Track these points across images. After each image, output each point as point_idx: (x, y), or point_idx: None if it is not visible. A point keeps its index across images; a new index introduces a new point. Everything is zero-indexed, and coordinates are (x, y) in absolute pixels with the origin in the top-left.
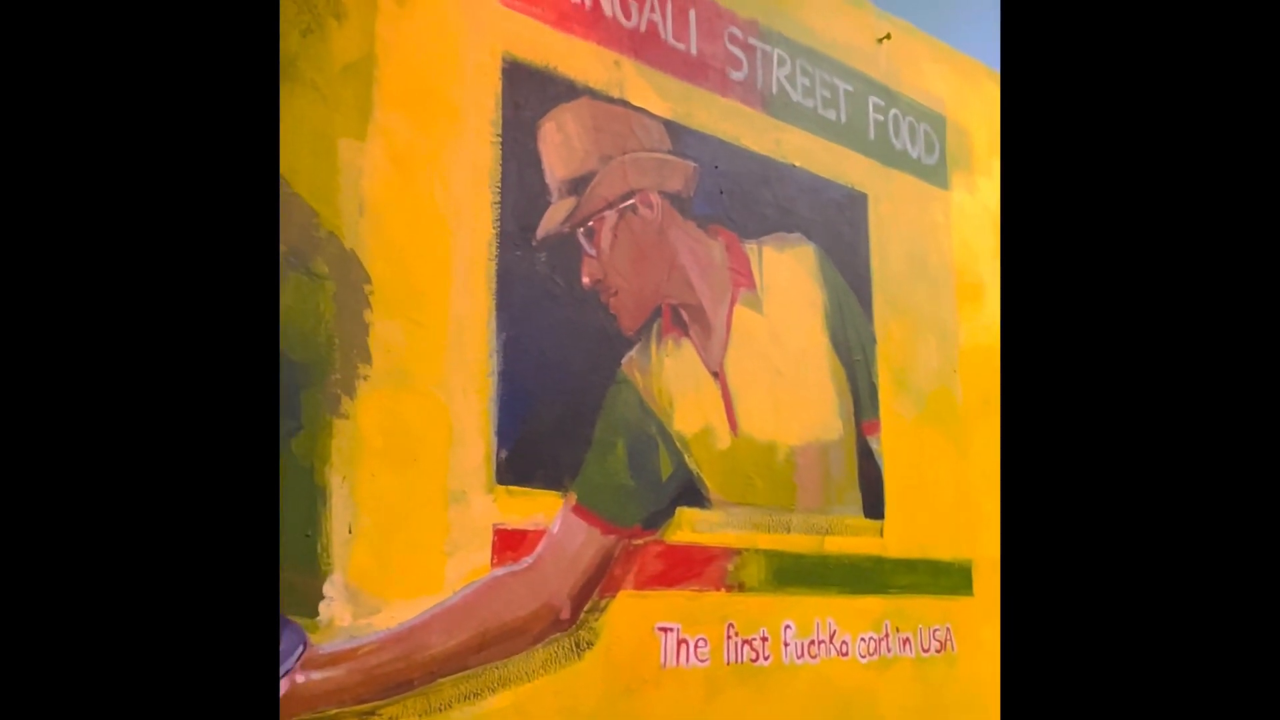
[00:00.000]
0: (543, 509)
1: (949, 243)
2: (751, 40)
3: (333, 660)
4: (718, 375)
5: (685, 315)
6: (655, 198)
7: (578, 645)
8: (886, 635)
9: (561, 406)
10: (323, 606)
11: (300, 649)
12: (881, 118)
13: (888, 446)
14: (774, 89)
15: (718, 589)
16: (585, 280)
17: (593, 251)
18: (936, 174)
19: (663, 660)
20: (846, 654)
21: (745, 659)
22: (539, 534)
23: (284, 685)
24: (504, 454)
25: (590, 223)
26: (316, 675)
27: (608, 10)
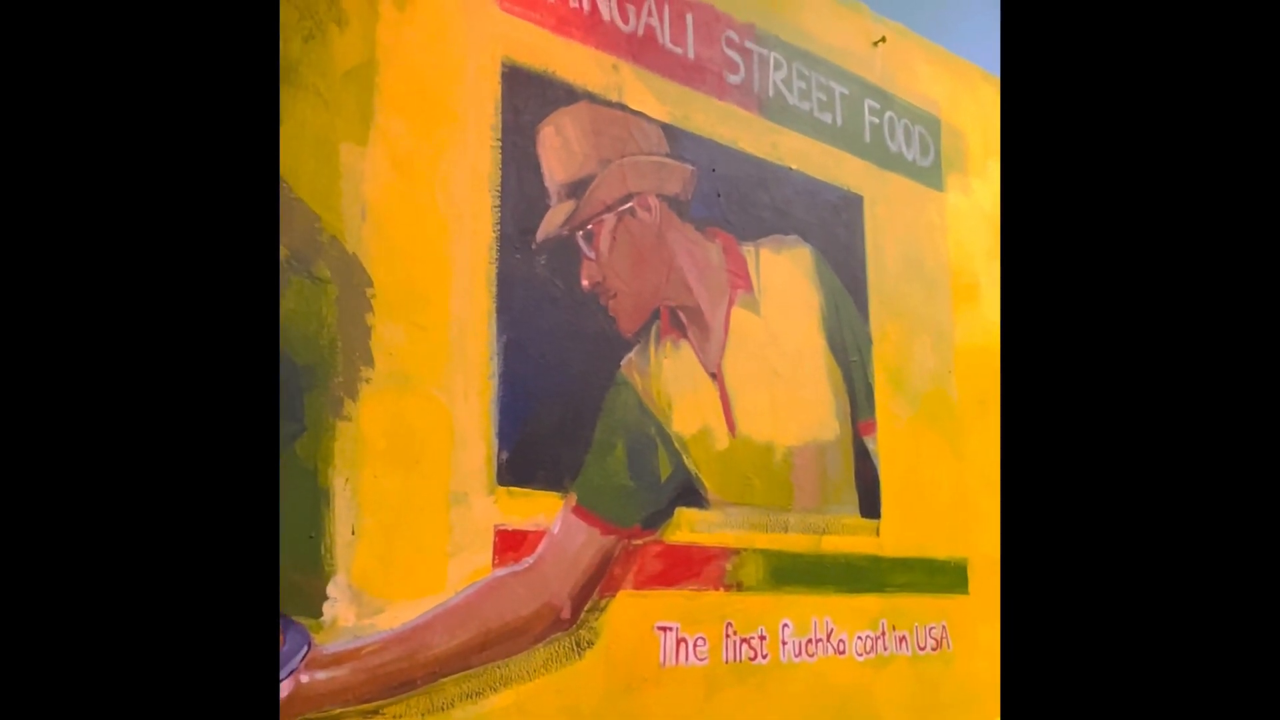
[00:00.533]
0: (543, 510)
1: (944, 244)
2: (748, 44)
3: (337, 660)
4: (716, 376)
5: (683, 317)
6: (653, 200)
7: (578, 644)
8: (883, 633)
9: (561, 408)
10: (326, 607)
11: (304, 649)
12: (877, 120)
13: (884, 446)
14: (770, 92)
15: (716, 588)
16: (584, 283)
17: (592, 254)
18: (931, 176)
19: (662, 659)
20: (843, 652)
21: (744, 657)
22: (539, 534)
23: (289, 685)
24: (505, 455)
25: (589, 226)
26: (321, 675)
27: (606, 14)
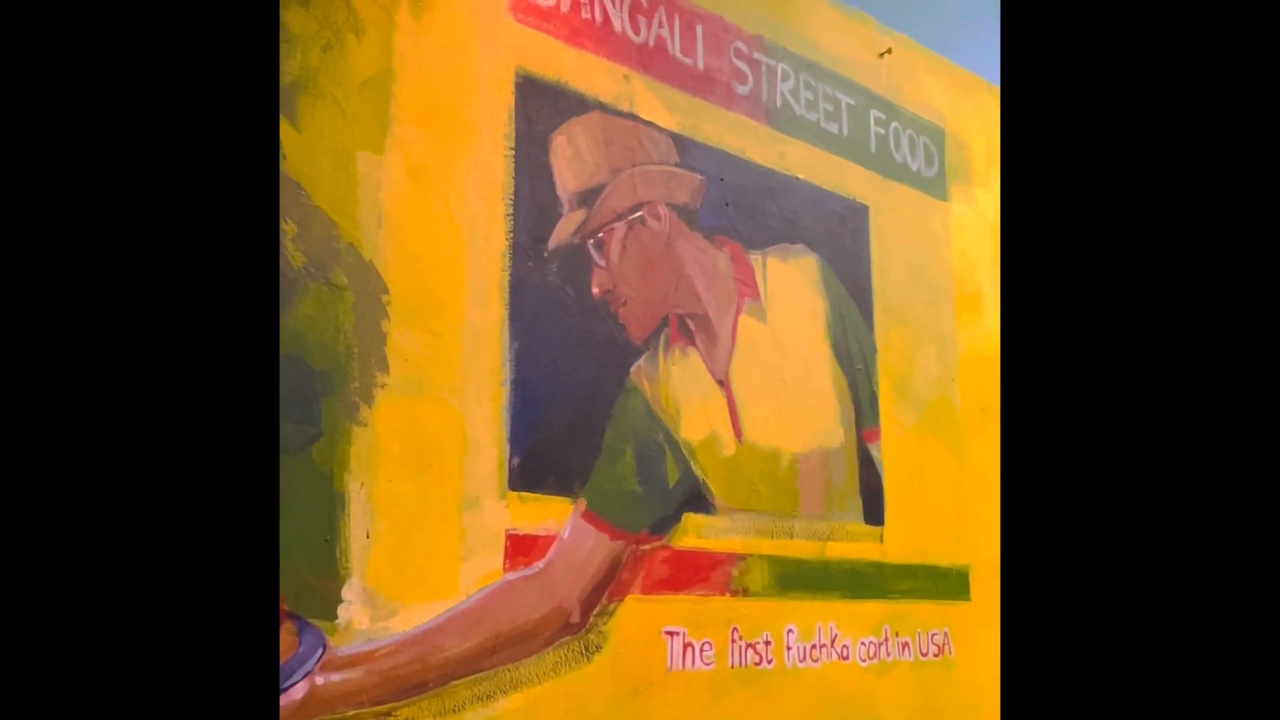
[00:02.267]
0: (553, 515)
1: (948, 253)
2: (757, 55)
3: (351, 662)
4: (723, 384)
5: (692, 325)
6: (663, 209)
7: (587, 648)
8: (886, 639)
9: (572, 414)
10: (341, 610)
11: (320, 651)
12: (882, 131)
13: (888, 454)
14: (778, 103)
15: (723, 594)
16: (595, 290)
17: (602, 262)
18: (936, 186)
19: (669, 663)
20: (847, 657)
21: (749, 662)
22: (550, 539)
23: (304, 687)
24: (516, 461)
25: (600, 234)
26: (335, 677)
27: (617, 25)
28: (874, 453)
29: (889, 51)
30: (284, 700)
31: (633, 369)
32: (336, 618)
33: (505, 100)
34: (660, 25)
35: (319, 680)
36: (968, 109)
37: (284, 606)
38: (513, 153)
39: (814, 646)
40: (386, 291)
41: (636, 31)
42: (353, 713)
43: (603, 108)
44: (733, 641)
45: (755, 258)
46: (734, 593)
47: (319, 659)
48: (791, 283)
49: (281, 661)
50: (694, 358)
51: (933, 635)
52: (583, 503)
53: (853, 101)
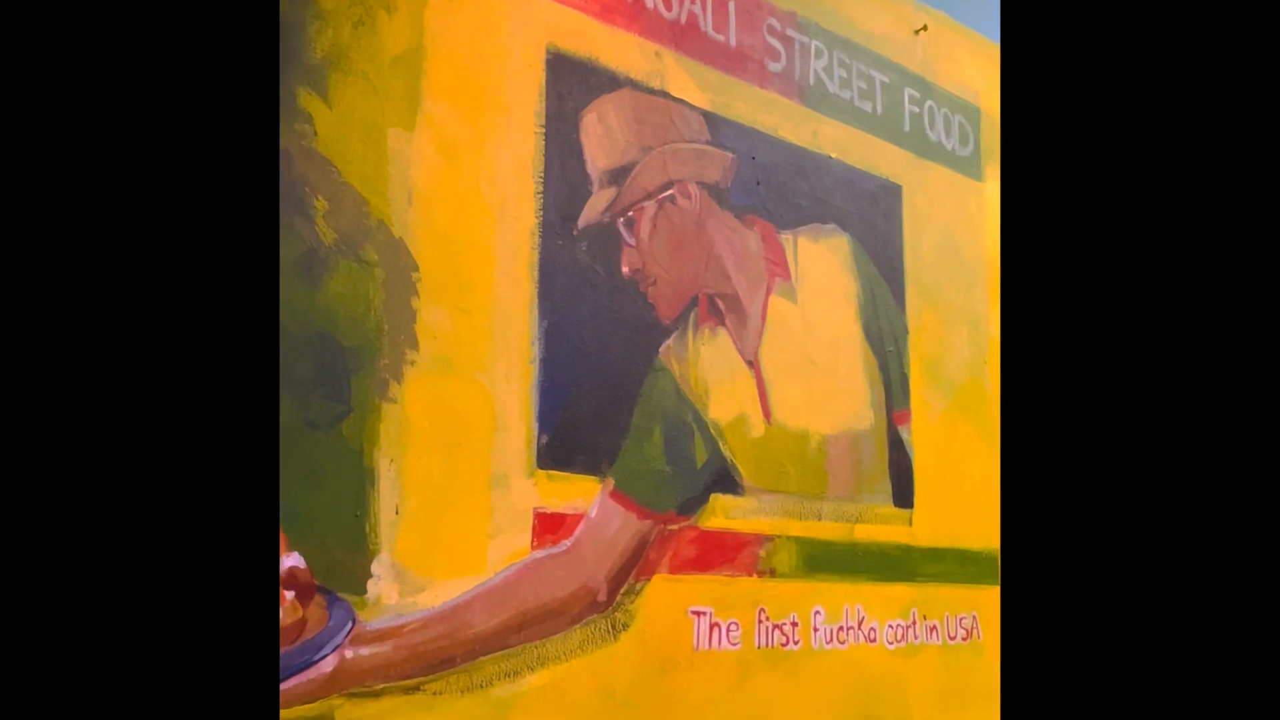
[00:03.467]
0: (581, 494)
1: (982, 234)
2: (790, 32)
3: (380, 637)
4: (752, 364)
5: (722, 305)
6: (694, 188)
7: (614, 627)
8: (914, 622)
9: (600, 393)
10: (371, 584)
11: (349, 625)
12: (917, 109)
13: (918, 436)
14: (811, 80)
15: (750, 574)
16: (625, 269)
17: (632, 241)
18: (970, 166)
19: (696, 643)
20: (875, 640)
21: (776, 643)
22: (577, 518)
23: (334, 660)
24: (545, 439)
25: (630, 212)
26: (365, 651)
27: (649, 2)
28: (904, 435)
29: (924, 28)
30: (313, 673)
31: (662, 348)
32: (366, 592)
33: (536, 77)
34: (692, 1)
35: (348, 654)
36: None
37: (314, 581)
38: (543, 130)
39: (841, 628)
40: (416, 269)
41: (668, 8)
42: (381, 686)
43: (634, 85)
44: (759, 622)
45: (786, 237)
46: (761, 574)
47: (348, 633)
48: (823, 263)
49: (311, 635)
50: (723, 338)
51: (961, 619)
52: (610, 482)
53: (887, 79)
